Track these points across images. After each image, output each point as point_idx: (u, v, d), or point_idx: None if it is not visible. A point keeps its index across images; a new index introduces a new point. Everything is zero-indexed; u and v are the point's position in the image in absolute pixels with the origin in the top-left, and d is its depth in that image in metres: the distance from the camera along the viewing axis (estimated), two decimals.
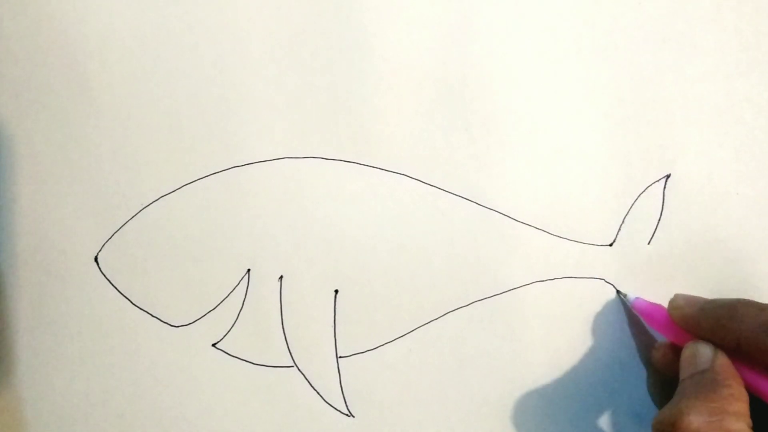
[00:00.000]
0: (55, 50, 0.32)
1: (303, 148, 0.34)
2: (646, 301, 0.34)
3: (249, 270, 0.35)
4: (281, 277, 0.35)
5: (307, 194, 0.34)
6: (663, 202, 0.35)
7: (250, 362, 0.36)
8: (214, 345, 0.36)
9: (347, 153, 0.34)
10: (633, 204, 0.35)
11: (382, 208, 0.35)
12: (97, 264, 0.35)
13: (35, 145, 0.34)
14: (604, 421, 0.36)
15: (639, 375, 0.36)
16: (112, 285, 0.35)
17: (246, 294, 0.35)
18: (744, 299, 0.30)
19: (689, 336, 0.32)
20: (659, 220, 0.35)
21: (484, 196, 0.35)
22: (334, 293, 0.35)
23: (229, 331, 0.36)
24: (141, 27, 0.32)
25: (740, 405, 0.28)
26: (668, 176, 0.35)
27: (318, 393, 0.36)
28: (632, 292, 0.35)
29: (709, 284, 0.36)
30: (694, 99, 0.34)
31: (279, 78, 0.33)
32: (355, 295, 0.35)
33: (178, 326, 0.36)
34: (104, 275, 0.35)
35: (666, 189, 0.35)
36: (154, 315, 0.35)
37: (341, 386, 0.36)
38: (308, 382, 0.36)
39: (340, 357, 0.36)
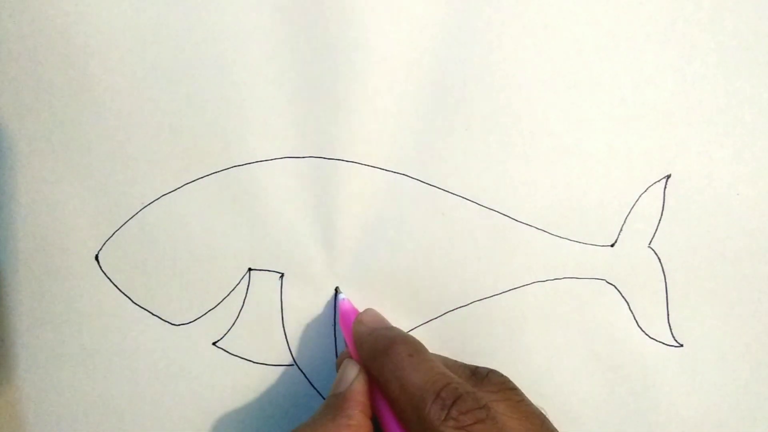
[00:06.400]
0: (55, 50, 0.32)
1: (303, 148, 0.34)
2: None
3: (250, 269, 0.35)
4: (282, 275, 0.35)
5: (307, 194, 0.34)
6: (663, 203, 0.35)
7: (250, 361, 0.36)
8: (214, 344, 0.36)
9: (347, 153, 0.34)
10: (634, 204, 0.35)
11: (382, 208, 0.35)
12: (98, 262, 0.35)
13: (35, 144, 0.34)
14: (603, 420, 0.37)
15: (635, 374, 0.36)
16: (113, 283, 0.35)
17: (247, 293, 0.35)
18: None
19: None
20: (659, 220, 0.35)
21: (484, 196, 0.35)
22: (334, 292, 0.36)
23: (229, 330, 0.36)
24: (141, 27, 0.32)
25: None
26: (668, 176, 0.35)
27: (318, 392, 0.36)
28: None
29: (709, 284, 0.36)
30: (694, 99, 0.34)
31: (279, 78, 0.33)
32: (355, 294, 0.35)
33: (178, 325, 0.36)
34: (105, 274, 0.35)
35: (666, 189, 0.35)
36: (154, 313, 0.36)
37: None
38: (308, 380, 0.36)
39: None
